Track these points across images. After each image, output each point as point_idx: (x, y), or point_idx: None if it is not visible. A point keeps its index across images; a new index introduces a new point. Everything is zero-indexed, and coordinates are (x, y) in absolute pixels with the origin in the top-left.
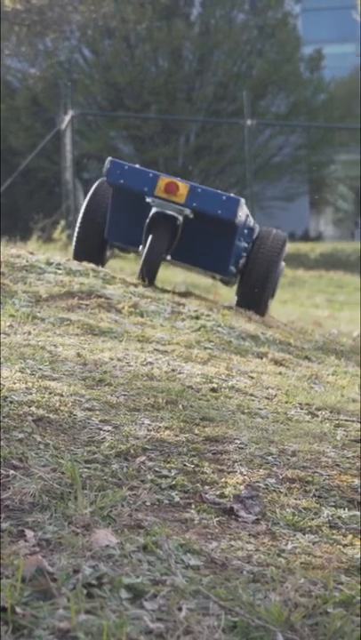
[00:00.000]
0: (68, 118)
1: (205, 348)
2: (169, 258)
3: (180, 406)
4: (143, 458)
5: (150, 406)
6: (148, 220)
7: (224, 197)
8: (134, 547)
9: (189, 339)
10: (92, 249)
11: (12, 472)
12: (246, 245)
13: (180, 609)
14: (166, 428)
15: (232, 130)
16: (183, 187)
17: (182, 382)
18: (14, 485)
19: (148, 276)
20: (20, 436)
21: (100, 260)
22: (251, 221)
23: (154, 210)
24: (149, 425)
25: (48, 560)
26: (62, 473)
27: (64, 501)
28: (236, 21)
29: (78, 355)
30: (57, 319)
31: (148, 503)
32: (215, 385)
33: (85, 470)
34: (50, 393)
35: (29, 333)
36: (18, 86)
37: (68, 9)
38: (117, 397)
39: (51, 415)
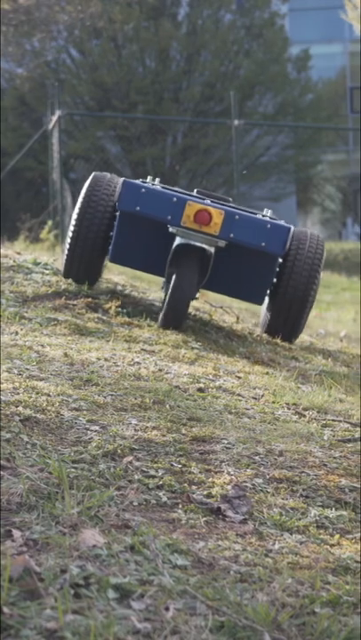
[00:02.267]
0: (55, 118)
1: (193, 348)
2: (198, 295)
3: (168, 406)
4: (130, 458)
5: (137, 406)
6: (171, 254)
7: (269, 225)
8: (122, 547)
9: (177, 339)
10: (86, 268)
11: None
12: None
13: (167, 609)
14: (154, 428)
15: (219, 130)
16: (217, 215)
17: (170, 382)
18: (1, 485)
19: (174, 322)
20: (8, 435)
21: (95, 279)
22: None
23: (178, 241)
24: (137, 425)
25: (35, 560)
26: (49, 473)
27: (51, 501)
28: (223, 21)
29: (65, 355)
30: (44, 319)
31: (135, 503)
32: (202, 385)
33: (73, 470)
34: (37, 393)
35: (17, 333)
36: (5, 86)
37: (55, 9)
38: (105, 397)
39: (38, 415)
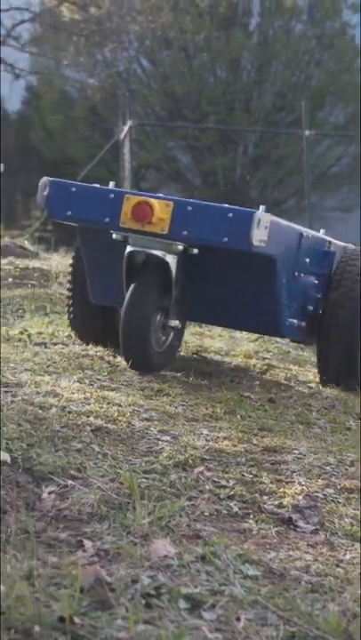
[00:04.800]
0: (126, 128)
1: (264, 359)
2: (175, 323)
3: (239, 416)
4: (202, 468)
5: (209, 416)
6: (123, 268)
7: (231, 214)
8: (193, 557)
9: (248, 349)
10: (94, 322)
11: (70, 482)
12: (316, 281)
13: (238, 619)
14: (225, 438)
15: (290, 140)
16: (162, 207)
17: (240, 392)
18: (73, 496)
19: (131, 355)
20: (79, 446)
21: (109, 336)
22: (321, 240)
23: (127, 250)
24: (208, 435)
25: (106, 570)
26: (121, 483)
27: (122, 512)
28: (294, 32)
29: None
30: None
31: (206, 513)
32: (273, 395)
33: (144, 480)
34: (108, 403)
35: (88, 343)
36: (76, 97)
37: (126, 19)
38: (176, 407)
39: (109, 425)
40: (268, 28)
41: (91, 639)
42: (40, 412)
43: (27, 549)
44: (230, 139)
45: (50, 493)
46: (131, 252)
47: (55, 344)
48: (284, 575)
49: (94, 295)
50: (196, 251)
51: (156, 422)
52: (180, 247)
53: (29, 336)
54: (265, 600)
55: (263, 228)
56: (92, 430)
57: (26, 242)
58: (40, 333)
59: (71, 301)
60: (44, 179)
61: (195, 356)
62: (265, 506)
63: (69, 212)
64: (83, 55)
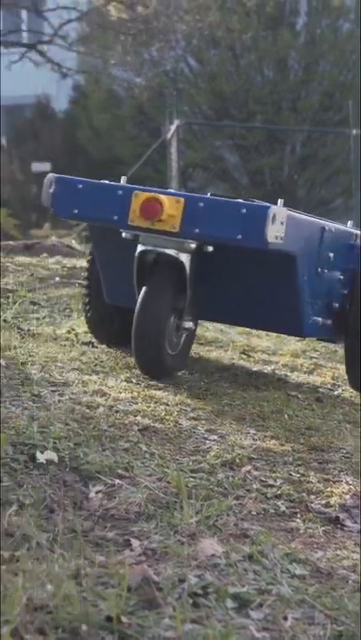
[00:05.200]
0: (173, 128)
1: (311, 358)
2: (189, 325)
3: (286, 416)
4: (249, 467)
5: (256, 415)
6: (135, 269)
7: (244, 210)
8: (240, 556)
9: (295, 348)
10: (111, 322)
11: (117, 481)
12: (342, 276)
13: (285, 618)
14: (272, 437)
15: (338, 139)
16: (172, 204)
17: (288, 392)
18: (120, 495)
19: (144, 360)
20: (126, 445)
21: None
22: (348, 234)
23: (138, 249)
24: (255, 434)
25: (154, 569)
26: (168, 482)
27: (170, 511)
28: (341, 31)
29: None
30: None
31: (253, 512)
32: (321, 394)
33: (191, 479)
34: (155, 402)
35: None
36: (123, 96)
37: (173, 18)
38: (223, 406)
39: (156, 424)
40: (316, 28)
41: (138, 638)
42: (87, 411)
43: (74, 549)
44: (277, 138)
45: (97, 492)
46: (142, 252)
47: (102, 343)
48: (332, 574)
49: (109, 295)
50: (210, 248)
51: (203, 421)
52: (194, 245)
53: (77, 335)
54: (312, 599)
55: (279, 223)
56: (139, 429)
57: (73, 241)
58: (87, 333)
59: (87, 301)
60: (50, 175)
61: (242, 355)
62: (312, 505)
63: (76, 211)
64: (130, 54)
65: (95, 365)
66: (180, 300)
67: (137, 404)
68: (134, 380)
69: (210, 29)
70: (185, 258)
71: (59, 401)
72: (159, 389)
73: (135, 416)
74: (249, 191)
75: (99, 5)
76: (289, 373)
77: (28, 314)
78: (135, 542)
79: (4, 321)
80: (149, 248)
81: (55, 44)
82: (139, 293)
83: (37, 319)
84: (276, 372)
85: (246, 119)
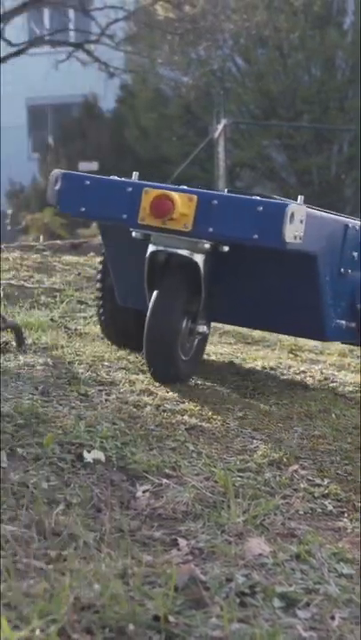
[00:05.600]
0: (220, 127)
1: (358, 357)
2: (203, 328)
3: (333, 415)
4: (296, 466)
5: (303, 415)
6: (145, 270)
7: (261, 208)
8: (287, 555)
9: (342, 348)
10: (125, 324)
11: (165, 481)
12: None
13: (333, 618)
14: (319, 436)
15: None
16: (184, 201)
17: (335, 391)
18: (167, 494)
19: (156, 366)
20: (173, 444)
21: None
22: None
23: (149, 250)
24: (302, 433)
25: (201, 569)
26: (215, 482)
27: (217, 510)
28: None
29: (231, 363)
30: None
31: (300, 512)
32: None
33: (238, 479)
34: (203, 401)
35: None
36: (171, 95)
37: (220, 18)
38: (270, 406)
39: (203, 424)
40: None
41: (185, 638)
42: (134, 410)
43: (121, 548)
44: (325, 137)
45: (144, 492)
46: (153, 252)
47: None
48: None
49: (121, 297)
50: (226, 248)
51: (250, 420)
52: (208, 245)
53: None
54: (359, 599)
55: (298, 222)
56: (186, 429)
57: None
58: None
59: (101, 302)
60: (55, 171)
61: (289, 354)
62: (360, 504)
63: (83, 208)
64: (177, 53)
65: (142, 364)
66: (193, 302)
67: (184, 403)
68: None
69: (257, 29)
70: (199, 258)
71: (106, 400)
72: (206, 389)
73: (182, 415)
74: (296, 191)
75: (146, 4)
76: (336, 372)
77: (75, 313)
78: (182, 542)
79: (52, 320)
80: (161, 248)
81: (102, 44)
82: (150, 296)
83: (84, 318)
84: (324, 371)
85: (294, 118)
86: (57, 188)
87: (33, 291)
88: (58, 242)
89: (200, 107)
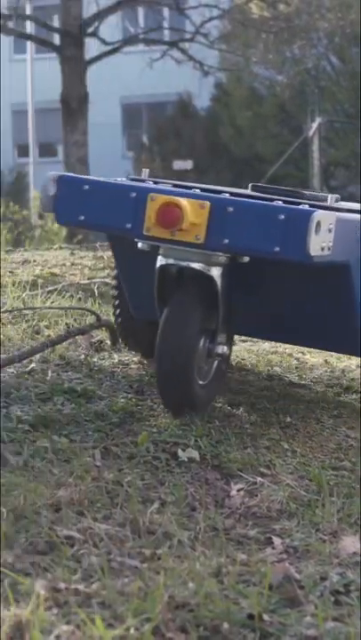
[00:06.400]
0: (315, 126)
1: None
2: (223, 349)
3: None
4: None
5: None
6: (155, 284)
7: (283, 216)
8: None
9: None
10: (143, 333)
11: (259, 479)
12: None
13: None
14: None
15: None
16: (195, 209)
17: None
18: (262, 493)
19: (168, 395)
20: (268, 443)
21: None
22: None
23: (158, 263)
24: None
25: (295, 567)
26: (309, 480)
27: (311, 508)
28: None
29: (326, 362)
30: None
31: None
32: None
33: (333, 477)
34: (297, 400)
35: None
36: (265, 94)
37: (315, 16)
38: None
39: (298, 422)
40: None
41: (280, 636)
42: (229, 408)
43: (216, 546)
44: None
45: (239, 490)
46: (163, 266)
47: (244, 341)
48: None
49: (134, 309)
50: (246, 259)
51: (345, 419)
52: (225, 257)
53: None
54: None
55: (326, 231)
56: (280, 427)
57: None
58: None
59: (118, 311)
60: (51, 174)
61: None
62: None
63: (82, 217)
64: (271, 52)
65: (236, 363)
66: (210, 319)
67: (278, 401)
68: (276, 378)
69: (352, 27)
70: (215, 272)
71: None
72: (300, 387)
73: (277, 414)
74: None
75: (240, 3)
76: None
77: None
78: (277, 540)
79: None
80: (171, 262)
81: (197, 42)
82: (161, 313)
83: None
84: None
85: None
86: (52, 193)
87: None
88: None
89: (295, 105)
